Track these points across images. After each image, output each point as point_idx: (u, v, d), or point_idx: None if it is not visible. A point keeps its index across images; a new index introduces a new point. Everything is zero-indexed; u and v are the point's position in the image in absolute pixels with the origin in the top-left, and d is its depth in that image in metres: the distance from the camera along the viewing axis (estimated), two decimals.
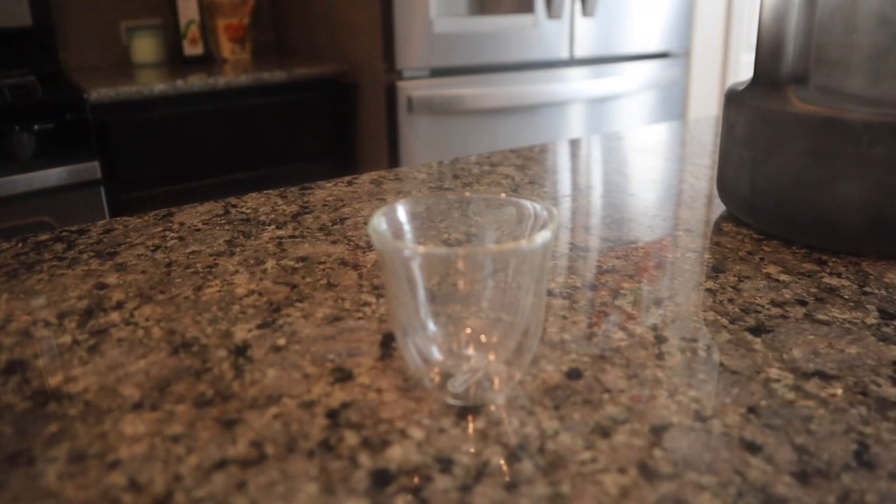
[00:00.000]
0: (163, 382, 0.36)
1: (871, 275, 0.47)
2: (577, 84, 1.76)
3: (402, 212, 0.35)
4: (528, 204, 0.34)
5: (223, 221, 0.59)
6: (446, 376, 0.33)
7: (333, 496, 0.28)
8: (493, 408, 0.33)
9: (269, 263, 0.51)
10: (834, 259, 0.50)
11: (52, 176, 1.33)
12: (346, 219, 0.61)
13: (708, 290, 0.46)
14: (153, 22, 1.75)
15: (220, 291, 0.46)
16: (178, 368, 0.37)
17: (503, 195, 0.34)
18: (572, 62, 1.76)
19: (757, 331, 0.40)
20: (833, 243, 0.50)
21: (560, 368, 0.36)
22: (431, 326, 0.32)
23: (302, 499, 0.28)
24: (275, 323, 0.42)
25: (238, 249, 0.53)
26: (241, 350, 0.39)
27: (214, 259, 0.51)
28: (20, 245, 0.55)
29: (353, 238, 0.56)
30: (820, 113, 0.48)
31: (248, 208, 0.63)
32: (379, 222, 0.33)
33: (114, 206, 1.44)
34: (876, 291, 0.45)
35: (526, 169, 0.77)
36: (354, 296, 0.45)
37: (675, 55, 1.92)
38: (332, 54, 1.77)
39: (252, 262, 0.51)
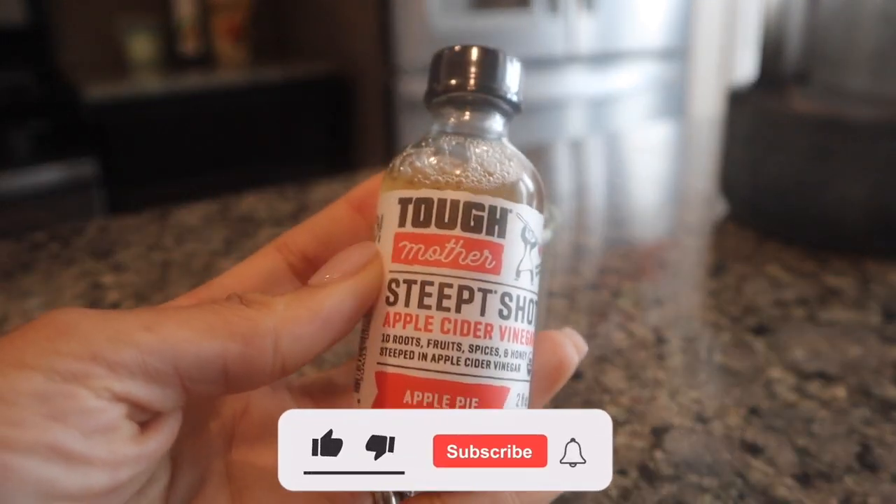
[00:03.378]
0: None
1: (873, 275, 0.47)
2: (577, 81, 1.76)
3: None
4: None
5: (220, 220, 0.59)
6: None
7: None
8: None
9: None
10: (836, 259, 0.49)
11: (49, 175, 1.33)
12: None
13: (709, 290, 0.46)
14: (150, 20, 1.74)
15: None
16: None
17: None
18: (573, 59, 1.76)
19: (758, 331, 0.40)
20: (835, 243, 0.50)
21: None
22: None
23: None
24: None
25: (236, 248, 0.53)
26: None
27: (212, 258, 0.51)
28: (16, 244, 0.55)
29: None
30: (822, 112, 0.48)
31: (245, 207, 0.63)
32: None
33: (111, 206, 1.43)
34: (878, 292, 0.44)
35: None
36: None
37: (677, 53, 1.91)
38: (331, 52, 1.77)
39: None
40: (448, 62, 0.19)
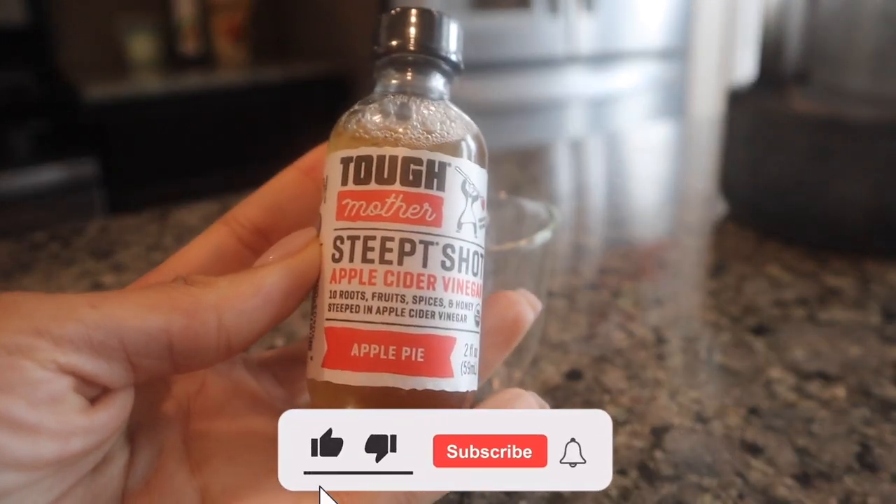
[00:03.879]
0: None
1: (873, 275, 0.47)
2: (577, 81, 1.76)
3: None
4: (528, 204, 0.33)
5: None
6: None
7: None
8: None
9: None
10: (836, 259, 0.49)
11: (49, 175, 1.33)
12: None
13: (709, 290, 0.46)
14: (150, 20, 1.74)
15: None
16: None
17: (503, 195, 0.33)
18: (573, 59, 1.76)
19: (758, 331, 0.40)
20: (835, 243, 0.50)
21: (560, 369, 0.36)
22: None
23: None
24: None
25: None
26: None
27: None
28: (16, 244, 0.55)
29: None
30: (822, 112, 0.48)
31: None
32: None
33: (111, 206, 1.43)
34: (878, 292, 0.44)
35: (526, 168, 0.76)
36: None
37: (677, 53, 1.91)
38: (331, 52, 1.77)
39: None
40: (388, 25, 0.20)
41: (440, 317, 0.18)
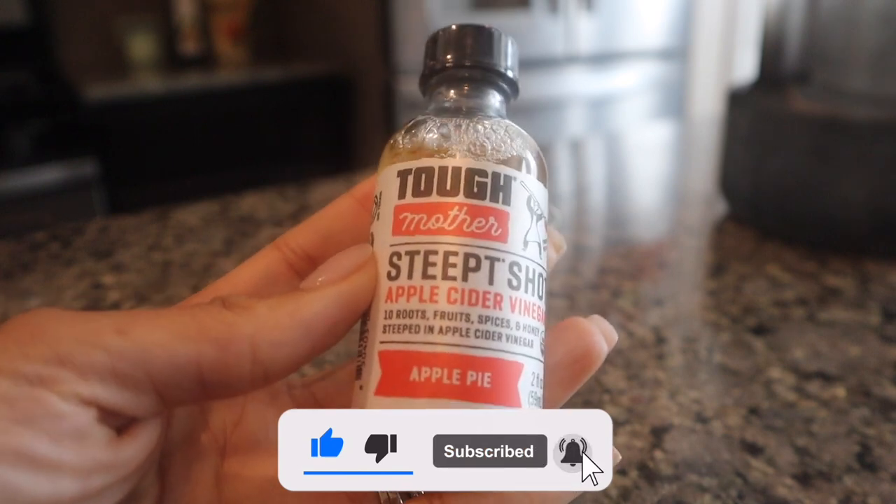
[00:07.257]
0: None
1: (873, 275, 0.47)
2: (577, 81, 1.76)
3: None
4: None
5: (220, 220, 0.59)
6: None
7: None
8: None
9: None
10: (836, 259, 0.49)
11: (49, 175, 1.33)
12: None
13: (709, 290, 0.46)
14: (150, 20, 1.74)
15: None
16: None
17: None
18: (573, 59, 1.76)
19: (758, 331, 0.40)
20: (835, 243, 0.50)
21: None
22: None
23: None
24: None
25: (236, 248, 0.53)
26: None
27: (212, 258, 0.51)
28: (16, 244, 0.55)
29: None
30: (822, 112, 0.48)
31: (245, 207, 0.63)
32: None
33: (111, 206, 1.43)
34: (878, 292, 0.44)
35: None
36: None
37: (677, 53, 1.91)
38: (331, 52, 1.77)
39: None
40: (444, 41, 0.19)
41: (507, 339, 0.16)
